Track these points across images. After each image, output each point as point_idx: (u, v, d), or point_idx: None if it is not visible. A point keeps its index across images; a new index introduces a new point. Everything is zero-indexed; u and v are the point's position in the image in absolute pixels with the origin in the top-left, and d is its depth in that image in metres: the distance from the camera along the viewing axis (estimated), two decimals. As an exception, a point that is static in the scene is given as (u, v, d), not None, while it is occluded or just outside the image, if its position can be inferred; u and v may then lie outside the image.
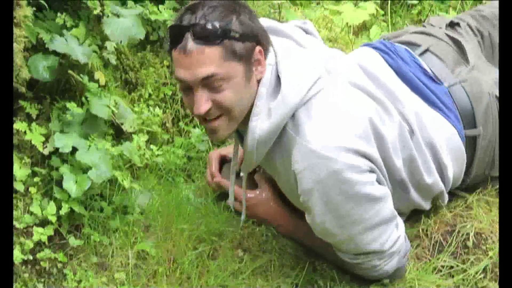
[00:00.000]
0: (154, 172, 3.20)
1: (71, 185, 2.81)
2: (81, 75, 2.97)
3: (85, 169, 2.85)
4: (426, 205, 2.93)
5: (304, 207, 2.67)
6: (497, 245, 2.92)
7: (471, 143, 2.93)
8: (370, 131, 2.61)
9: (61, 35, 2.90)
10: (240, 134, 2.76)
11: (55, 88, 3.00)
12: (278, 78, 2.59)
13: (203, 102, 2.53)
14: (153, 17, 3.22)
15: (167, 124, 3.39)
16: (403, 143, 2.73)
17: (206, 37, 2.46)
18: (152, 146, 3.20)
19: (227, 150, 3.18)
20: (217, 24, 2.46)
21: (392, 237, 2.70)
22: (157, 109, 3.32)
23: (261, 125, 2.58)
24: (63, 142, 2.84)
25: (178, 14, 2.56)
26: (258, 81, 2.59)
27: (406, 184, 2.78)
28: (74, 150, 2.85)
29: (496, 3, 3.33)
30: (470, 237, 2.96)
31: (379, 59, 2.97)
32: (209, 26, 2.46)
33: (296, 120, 2.57)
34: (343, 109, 2.59)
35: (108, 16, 3.02)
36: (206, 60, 2.49)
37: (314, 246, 2.93)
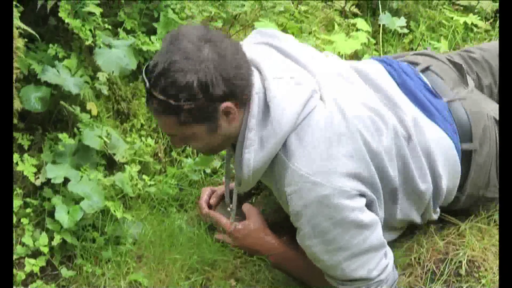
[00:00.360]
0: (147, 202, 3.19)
1: (63, 216, 2.80)
2: (73, 106, 2.99)
3: (77, 200, 2.85)
4: (417, 218, 2.91)
5: (295, 226, 2.68)
6: (489, 272, 2.92)
7: (466, 158, 2.91)
8: (363, 147, 2.60)
9: (53, 66, 2.91)
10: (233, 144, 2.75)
11: (47, 119, 3.01)
12: (266, 104, 2.58)
13: (176, 144, 2.73)
14: (145, 48, 3.22)
15: (159, 154, 3.39)
16: (397, 150, 2.72)
17: (158, 108, 2.52)
18: (144, 177, 3.19)
19: (220, 187, 3.20)
20: (170, 101, 2.47)
21: (380, 265, 2.69)
22: (149, 139, 3.32)
23: (255, 156, 2.58)
24: (55, 173, 2.84)
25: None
26: (233, 121, 2.60)
27: (396, 194, 2.76)
28: (66, 181, 2.86)
29: (487, 46, 3.34)
30: (463, 265, 2.95)
31: (381, 69, 2.98)
32: (162, 100, 2.48)
33: (287, 145, 2.57)
34: (333, 130, 2.58)
35: (100, 47, 3.02)
36: (163, 124, 2.60)
37: (305, 278, 2.92)
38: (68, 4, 2.93)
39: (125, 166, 3.14)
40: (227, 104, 2.52)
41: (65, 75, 2.92)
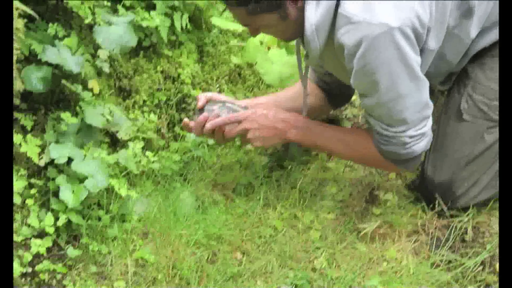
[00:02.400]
0: (151, 179, 3.20)
1: (68, 195, 2.81)
2: (75, 84, 2.97)
3: (81, 179, 2.84)
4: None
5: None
6: (494, 238, 2.94)
7: None
8: None
9: (53, 45, 2.90)
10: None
11: (49, 98, 3.01)
12: None
13: (252, 33, 2.87)
14: (144, 24, 3.22)
15: (162, 130, 3.39)
16: None
17: (230, 1, 2.73)
18: (147, 153, 3.18)
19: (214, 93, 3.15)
20: None
21: (423, 113, 2.77)
22: (152, 115, 3.31)
23: (315, 11, 2.68)
24: (59, 152, 2.84)
25: None
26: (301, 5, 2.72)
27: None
28: (70, 160, 2.85)
29: None
30: (468, 231, 2.98)
31: None
32: None
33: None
34: None
35: (99, 24, 3.03)
36: (237, 16, 2.80)
37: (332, 146, 2.99)
38: (66, -17, 2.92)
39: (129, 143, 3.13)
40: None
41: (65, 54, 2.91)
